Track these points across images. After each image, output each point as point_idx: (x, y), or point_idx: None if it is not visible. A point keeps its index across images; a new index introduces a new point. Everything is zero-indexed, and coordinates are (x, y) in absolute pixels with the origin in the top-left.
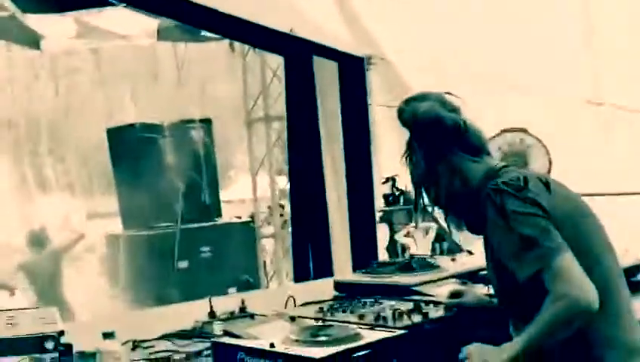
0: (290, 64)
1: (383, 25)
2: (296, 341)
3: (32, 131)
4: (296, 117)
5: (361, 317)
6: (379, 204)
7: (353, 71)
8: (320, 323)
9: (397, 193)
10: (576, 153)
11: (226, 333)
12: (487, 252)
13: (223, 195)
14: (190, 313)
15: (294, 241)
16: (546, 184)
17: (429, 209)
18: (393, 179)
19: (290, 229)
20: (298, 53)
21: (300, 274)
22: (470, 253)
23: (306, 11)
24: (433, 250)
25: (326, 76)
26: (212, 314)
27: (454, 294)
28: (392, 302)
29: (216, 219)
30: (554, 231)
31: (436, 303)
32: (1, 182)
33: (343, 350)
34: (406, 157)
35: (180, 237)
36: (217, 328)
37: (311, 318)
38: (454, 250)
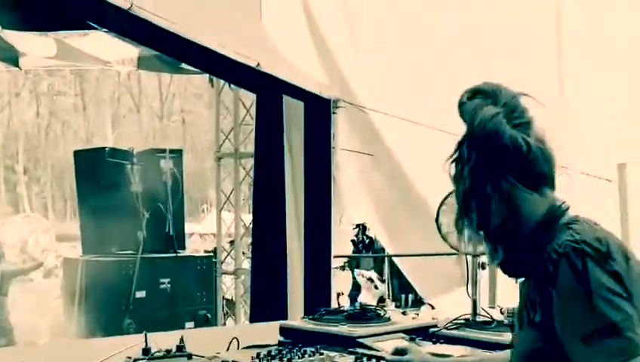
0: (261, 101)
1: (360, 72)
2: None
3: (9, 149)
4: (263, 155)
5: None
6: (346, 249)
7: (319, 112)
8: None
9: (367, 240)
10: None
11: None
12: (527, 309)
13: (196, 228)
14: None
15: (253, 280)
16: (625, 255)
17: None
18: (364, 227)
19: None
20: (269, 91)
21: (257, 314)
22: (432, 307)
23: (284, 51)
24: (399, 300)
25: (296, 116)
26: (146, 351)
27: (398, 351)
28: (333, 354)
29: (179, 251)
30: (637, 319)
31: (378, 358)
32: None
33: None
34: (451, 161)
35: (139, 267)
36: None
37: None
38: (420, 301)
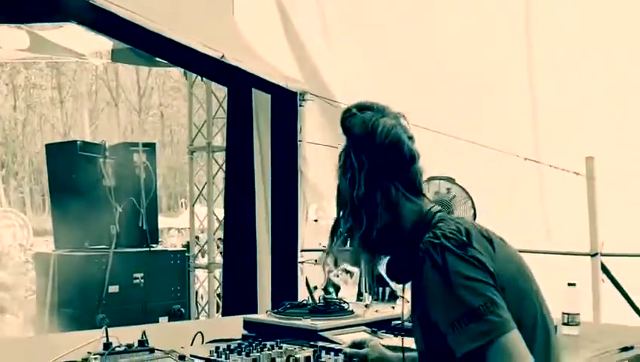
0: (232, 95)
1: (334, 68)
2: None
3: None
4: (234, 149)
5: (255, 361)
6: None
7: (285, 105)
8: None
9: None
10: (508, 208)
11: None
12: (415, 308)
13: (173, 223)
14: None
15: (225, 274)
16: (489, 240)
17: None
18: None
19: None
20: (239, 84)
21: (229, 308)
22: (408, 301)
23: (257, 47)
24: (376, 293)
25: (266, 110)
26: (106, 345)
27: (356, 344)
28: (292, 347)
29: (153, 246)
30: (501, 302)
31: (337, 351)
32: None
33: None
34: (342, 170)
35: (112, 261)
36: None
37: (202, 358)
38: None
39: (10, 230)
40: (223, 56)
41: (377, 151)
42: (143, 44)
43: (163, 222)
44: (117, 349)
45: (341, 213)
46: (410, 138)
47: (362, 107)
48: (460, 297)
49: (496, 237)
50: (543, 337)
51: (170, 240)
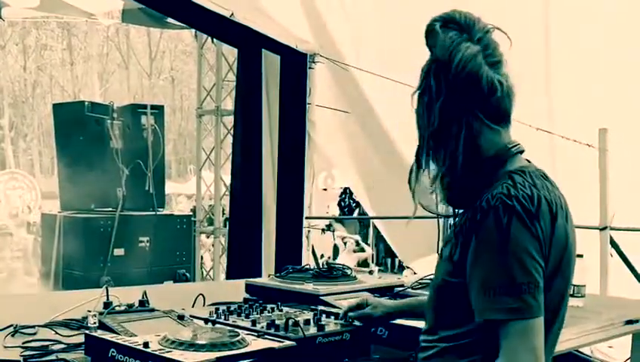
0: (243, 57)
1: (348, 31)
2: (173, 342)
3: None
4: (242, 112)
5: (254, 322)
6: (332, 211)
7: (295, 67)
8: (209, 325)
9: (353, 204)
10: None
11: (102, 326)
12: (452, 248)
13: (182, 189)
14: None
15: (230, 239)
16: (554, 218)
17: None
18: (350, 191)
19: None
20: (249, 45)
21: (233, 272)
22: (414, 272)
23: (270, 10)
24: (384, 264)
25: (276, 71)
26: (107, 304)
27: (359, 305)
28: (292, 310)
29: (159, 210)
30: (542, 286)
31: (337, 315)
32: None
33: (221, 357)
34: (419, 91)
35: (118, 224)
36: (92, 319)
37: (201, 318)
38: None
39: (18, 192)
40: (232, 14)
41: (454, 83)
42: (152, 1)
43: (171, 188)
44: (117, 308)
45: (420, 140)
46: (496, 64)
47: (448, 21)
48: (509, 266)
49: (562, 213)
50: (556, 333)
51: (179, 207)
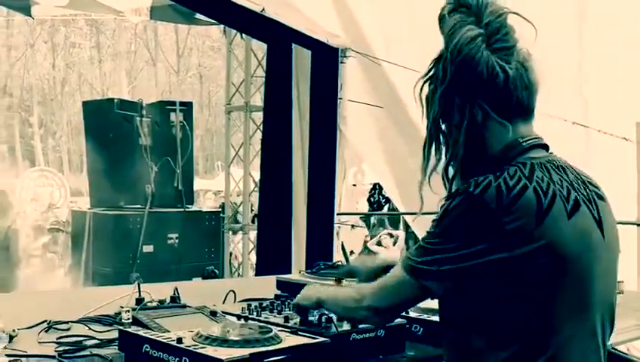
0: (272, 52)
1: (377, 24)
2: (207, 338)
3: (25, 101)
4: (272, 108)
5: (287, 319)
6: (361, 207)
7: (326, 62)
8: (241, 321)
9: (382, 201)
10: None
11: (135, 322)
12: None
13: (210, 185)
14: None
15: (259, 235)
16: (545, 208)
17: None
18: (380, 187)
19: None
20: (279, 40)
21: (263, 269)
22: None
23: (298, 3)
24: None
25: (306, 66)
26: (139, 300)
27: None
28: None
29: (188, 206)
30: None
31: None
32: None
33: (255, 353)
34: (426, 80)
35: (147, 221)
36: (125, 315)
37: (233, 315)
38: None
39: (48, 189)
40: (263, 9)
41: (451, 68)
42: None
43: (199, 184)
44: (149, 304)
45: (427, 131)
46: (504, 50)
47: (460, 5)
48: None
49: (564, 208)
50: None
51: (207, 203)
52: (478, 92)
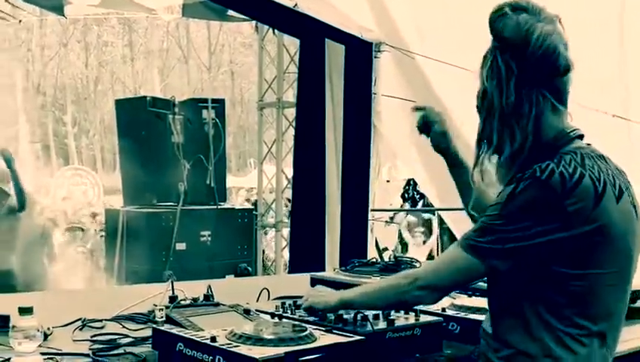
0: (304, 47)
1: (410, 17)
2: (240, 337)
3: (59, 100)
4: (304, 104)
5: (322, 317)
6: (395, 203)
7: (360, 56)
8: (275, 319)
9: (417, 196)
10: None
11: (169, 320)
12: None
13: (243, 183)
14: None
15: (292, 232)
16: (600, 194)
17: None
18: (414, 182)
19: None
20: (311, 36)
21: (296, 266)
22: None
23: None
24: None
25: (339, 62)
26: (172, 298)
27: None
28: None
29: (220, 204)
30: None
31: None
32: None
33: (289, 351)
34: (487, 74)
35: (179, 218)
36: (159, 314)
37: (267, 313)
38: None
39: (82, 188)
40: (295, 4)
41: (530, 60)
42: None
43: (232, 181)
44: (182, 302)
45: (487, 121)
46: (566, 46)
47: (517, 7)
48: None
49: (614, 195)
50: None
51: (239, 200)
52: (547, 82)
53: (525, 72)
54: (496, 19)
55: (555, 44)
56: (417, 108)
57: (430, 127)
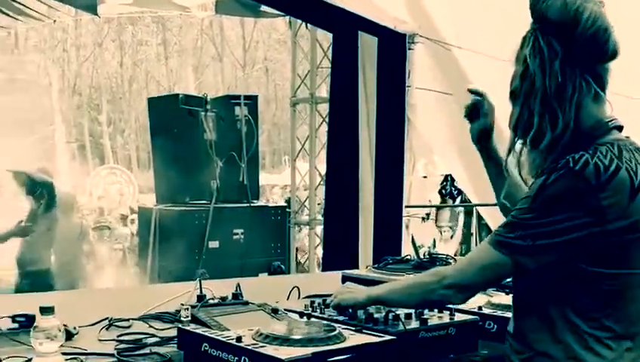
0: (337, 41)
1: (446, 8)
2: (267, 337)
3: (94, 100)
4: (338, 98)
5: (352, 316)
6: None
7: (393, 49)
8: (304, 319)
9: (455, 192)
10: None
11: (194, 320)
12: None
13: (277, 180)
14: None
15: (326, 229)
16: (637, 187)
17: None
18: (452, 178)
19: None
20: (344, 29)
21: (329, 264)
22: None
23: None
24: None
25: (373, 55)
26: (200, 297)
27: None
28: None
29: (253, 201)
30: (538, 246)
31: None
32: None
33: (317, 352)
34: (530, 55)
35: (212, 217)
36: (184, 313)
37: (296, 312)
38: None
39: (116, 187)
40: None
41: (578, 41)
42: None
43: (266, 178)
44: (210, 301)
45: (525, 105)
46: (613, 30)
47: None
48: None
49: None
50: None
51: (273, 198)
52: (592, 66)
53: (571, 53)
54: (536, 2)
55: (607, 26)
56: (473, 92)
57: (478, 114)
